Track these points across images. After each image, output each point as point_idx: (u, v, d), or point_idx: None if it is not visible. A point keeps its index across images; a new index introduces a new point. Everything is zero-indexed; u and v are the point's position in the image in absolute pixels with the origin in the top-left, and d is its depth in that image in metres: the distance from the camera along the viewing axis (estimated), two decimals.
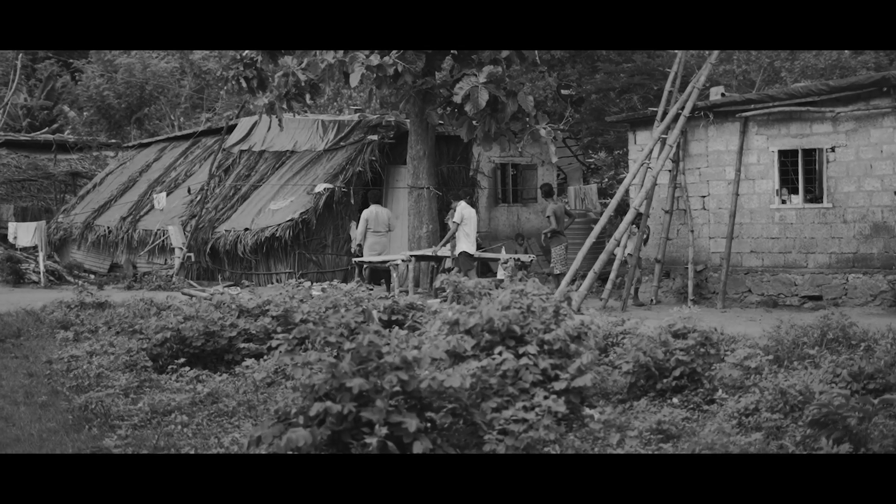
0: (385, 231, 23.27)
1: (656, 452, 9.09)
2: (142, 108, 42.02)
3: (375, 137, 27.18)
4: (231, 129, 31.14)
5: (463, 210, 21.72)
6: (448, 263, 21.50)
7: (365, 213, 23.48)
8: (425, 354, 9.59)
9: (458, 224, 21.47)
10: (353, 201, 26.29)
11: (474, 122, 21.37)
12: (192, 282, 25.89)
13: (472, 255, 21.53)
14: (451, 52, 21.70)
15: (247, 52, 22.70)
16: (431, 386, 9.33)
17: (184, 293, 21.06)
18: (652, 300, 21.49)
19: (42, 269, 26.88)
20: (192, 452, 9.66)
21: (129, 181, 32.54)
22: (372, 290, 16.74)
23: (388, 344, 9.53)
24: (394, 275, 21.89)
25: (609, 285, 21.18)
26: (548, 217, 22.73)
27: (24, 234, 28.53)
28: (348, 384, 9.05)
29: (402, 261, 22.27)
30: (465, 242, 21.53)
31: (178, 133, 35.27)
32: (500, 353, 10.29)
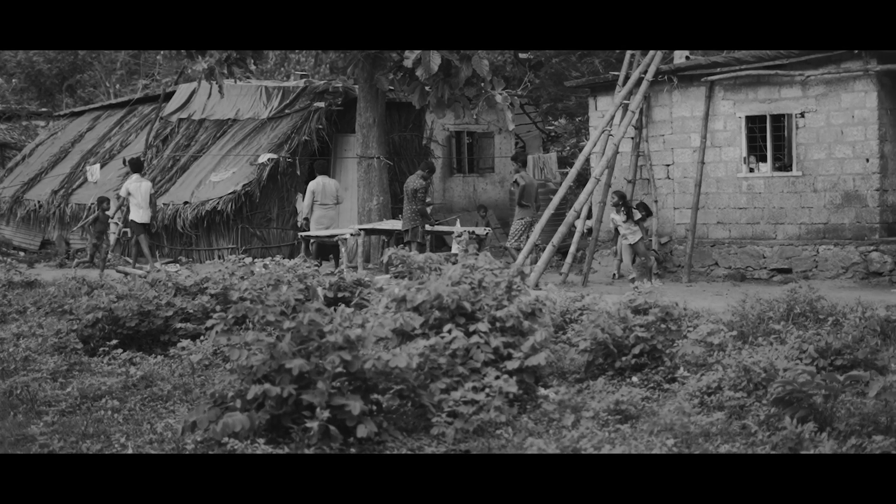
0: (333, 203, 23.17)
1: (621, 452, 9.11)
2: (74, 75, 41.66)
3: (322, 105, 27.04)
4: (169, 96, 30.89)
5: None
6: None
7: (311, 185, 23.36)
8: (370, 333, 9.61)
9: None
10: (298, 172, 26.17)
11: (427, 88, 21.29)
12: (128, 259, 25.70)
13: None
14: None
15: None
16: (376, 366, 9.36)
17: (118, 271, 20.91)
18: (614, 275, 21.56)
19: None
20: (125, 440, 9.59)
21: (61, 152, 32.22)
22: (319, 266, 16.68)
23: (331, 322, 9.53)
24: (342, 250, 21.83)
25: (569, 259, 21.23)
26: (514, 182, 22.74)
27: None
28: (288, 365, 9.05)
29: (351, 235, 22.21)
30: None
31: (114, 101, 34.96)
32: (449, 332, 10.30)
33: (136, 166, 24.43)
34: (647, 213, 21.69)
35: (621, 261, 21.48)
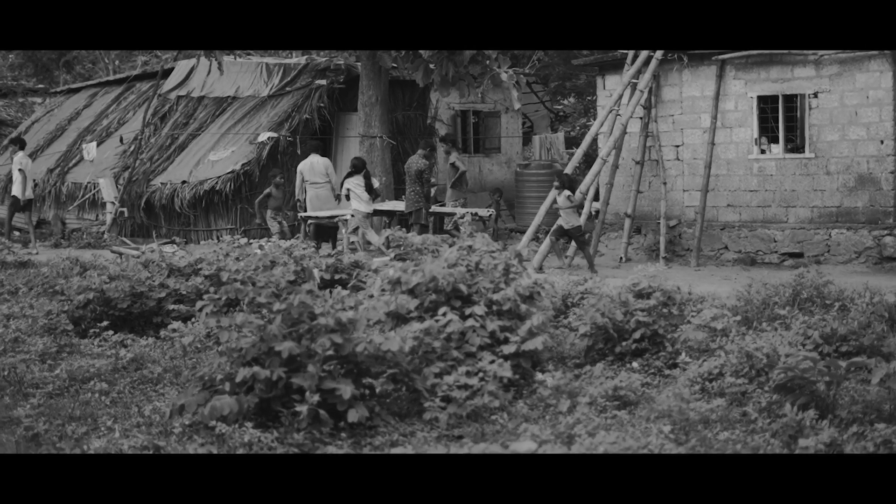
0: (323, 182, 23.02)
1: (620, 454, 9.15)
2: (72, 51, 41.62)
3: (324, 82, 27.04)
4: (167, 73, 30.88)
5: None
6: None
7: (300, 166, 23.33)
8: (362, 316, 9.66)
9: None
10: (299, 151, 26.15)
11: (431, 66, 21.29)
12: (125, 239, 25.76)
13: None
14: None
15: None
16: (368, 350, 9.41)
17: (113, 251, 20.96)
18: (622, 258, 21.57)
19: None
20: (112, 423, 9.65)
21: (57, 130, 32.24)
22: (317, 247, 16.71)
23: (324, 305, 9.57)
24: (342, 230, 21.85)
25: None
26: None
27: None
28: (277, 348, 9.10)
29: (352, 216, 22.22)
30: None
31: (111, 77, 34.98)
32: (444, 315, 10.34)
33: (21, 143, 26.05)
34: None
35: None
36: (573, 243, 21.00)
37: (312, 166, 23.12)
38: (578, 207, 20.46)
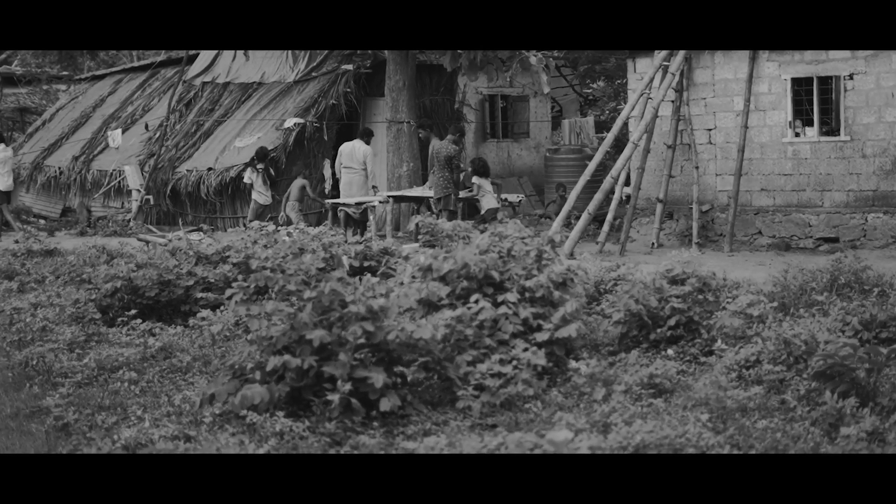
0: (359, 169, 23.12)
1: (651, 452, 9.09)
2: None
3: (350, 67, 27.03)
4: (192, 59, 30.94)
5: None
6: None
7: (342, 147, 23.48)
8: (393, 303, 9.62)
9: None
10: (326, 137, 26.19)
11: (458, 50, 21.25)
12: (150, 227, 25.85)
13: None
14: None
15: None
16: (400, 337, 9.36)
17: (139, 239, 21.03)
18: (654, 243, 21.48)
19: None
20: (142, 412, 9.65)
21: (82, 117, 32.39)
22: (345, 234, 16.71)
23: (354, 292, 9.53)
24: (371, 217, 21.85)
25: (606, 227, 21.14)
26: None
27: None
28: (308, 336, 9.06)
29: (380, 202, 22.23)
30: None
31: (136, 64, 35.08)
32: (476, 302, 10.28)
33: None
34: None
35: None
36: (604, 228, 20.94)
37: (353, 151, 23.19)
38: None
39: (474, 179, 21.21)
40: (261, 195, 23.65)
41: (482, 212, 21.24)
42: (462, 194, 21.32)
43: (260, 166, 23.91)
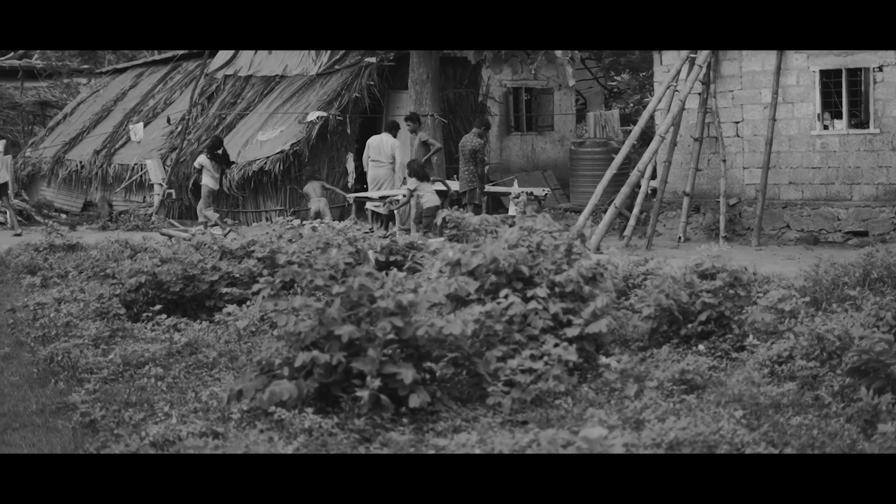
0: (388, 162, 23.14)
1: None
2: None
3: (374, 60, 26.98)
4: (214, 52, 30.94)
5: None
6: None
7: (370, 140, 23.51)
8: (423, 298, 9.58)
9: None
10: (349, 131, 26.16)
11: (483, 49, 21.23)
12: (172, 221, 25.87)
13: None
14: None
15: None
16: (430, 333, 9.32)
17: (162, 233, 21.05)
18: (680, 237, 21.40)
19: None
20: (169, 409, 9.64)
21: (104, 111, 32.40)
22: (373, 229, 16.72)
23: (382, 287, 9.50)
24: (396, 214, 21.86)
25: (632, 221, 21.07)
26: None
27: None
28: (337, 332, 9.03)
29: (403, 196, 22.21)
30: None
31: (157, 57, 35.04)
32: (506, 297, 10.24)
33: None
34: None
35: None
36: (630, 222, 20.87)
37: (381, 144, 23.22)
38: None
39: (409, 183, 21.37)
40: (212, 180, 24.67)
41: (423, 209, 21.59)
42: (401, 197, 21.51)
43: (218, 152, 25.03)
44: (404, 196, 21.15)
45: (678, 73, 21.78)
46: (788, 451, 7.82)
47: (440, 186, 21.72)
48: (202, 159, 24.94)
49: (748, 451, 7.81)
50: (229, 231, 19.37)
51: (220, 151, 25.08)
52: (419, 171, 21.06)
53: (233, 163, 25.59)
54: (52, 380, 10.99)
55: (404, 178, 22.31)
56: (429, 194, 20.83)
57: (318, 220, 19.93)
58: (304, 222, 17.28)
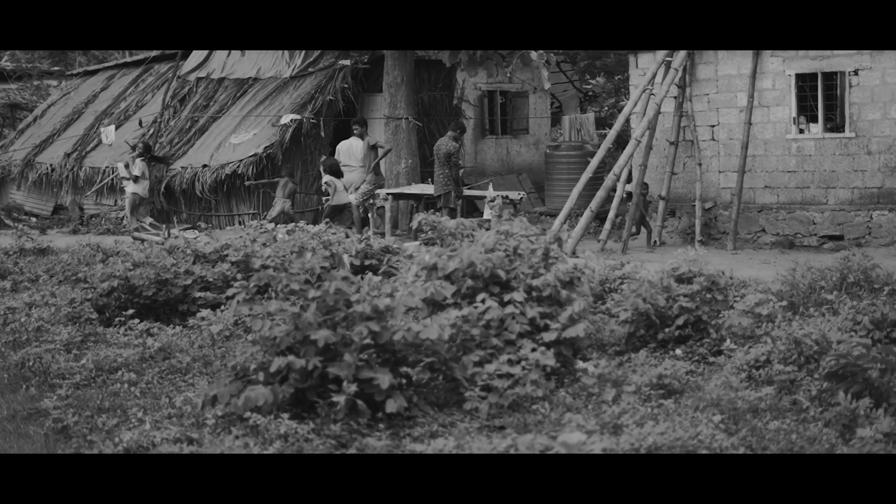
0: (358, 166, 23.09)
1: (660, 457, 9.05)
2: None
3: (348, 62, 26.93)
4: (187, 54, 30.84)
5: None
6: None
7: (339, 146, 23.46)
8: (399, 303, 9.57)
9: None
10: (323, 134, 26.11)
11: (458, 49, 21.22)
12: (145, 225, 25.76)
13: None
14: None
15: None
16: (406, 338, 9.31)
17: (134, 237, 20.96)
18: (655, 241, 21.45)
19: None
20: (142, 414, 9.59)
21: (74, 113, 32.27)
22: (351, 233, 16.70)
23: (359, 292, 9.49)
24: (370, 214, 21.87)
25: (608, 225, 21.11)
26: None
27: None
28: (313, 336, 9.01)
29: (325, 184, 22.35)
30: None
31: (129, 59, 34.92)
32: (482, 301, 10.24)
33: None
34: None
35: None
36: (605, 224, 20.91)
37: (351, 148, 23.18)
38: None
39: (326, 178, 22.08)
40: (141, 187, 25.46)
41: (332, 206, 22.28)
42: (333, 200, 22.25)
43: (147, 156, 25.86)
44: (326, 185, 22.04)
45: (654, 76, 21.83)
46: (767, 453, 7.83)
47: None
48: (142, 166, 25.41)
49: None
50: (159, 235, 21.05)
51: (150, 156, 26.01)
52: (333, 167, 21.88)
53: (166, 160, 26.45)
54: (23, 385, 10.92)
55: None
56: (340, 193, 21.72)
57: (279, 221, 20.09)
58: (263, 220, 17.38)
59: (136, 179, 25.16)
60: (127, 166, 25.42)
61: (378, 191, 22.64)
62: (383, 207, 22.51)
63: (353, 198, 22.33)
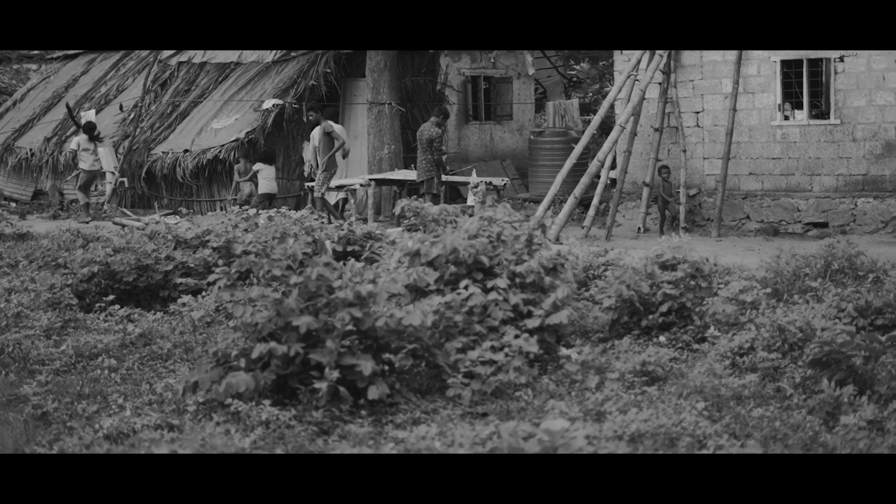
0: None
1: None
2: None
3: None
4: None
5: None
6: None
7: (313, 132, 23.34)
8: (382, 289, 9.56)
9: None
10: (305, 119, 26.04)
11: (446, 49, 21.23)
12: (125, 210, 25.70)
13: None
14: None
15: None
16: (389, 324, 9.31)
17: (115, 223, 20.93)
18: (640, 228, 21.47)
19: None
20: (122, 401, 9.57)
21: (54, 97, 32.12)
22: (329, 219, 16.69)
23: (341, 278, 9.48)
24: (350, 200, 21.83)
25: (592, 212, 21.11)
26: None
27: None
28: (295, 323, 9.00)
29: (361, 185, 22.18)
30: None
31: None
32: (466, 288, 10.25)
33: None
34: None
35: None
36: (589, 211, 20.92)
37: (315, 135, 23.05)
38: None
39: (256, 165, 22.61)
40: (89, 163, 25.67)
41: (258, 195, 22.63)
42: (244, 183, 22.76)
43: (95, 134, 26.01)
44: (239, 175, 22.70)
45: (638, 62, 21.81)
46: (751, 443, 7.84)
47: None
48: (87, 144, 25.78)
49: (710, 443, 7.83)
50: (90, 220, 22.20)
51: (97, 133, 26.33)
52: (267, 154, 22.73)
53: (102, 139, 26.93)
54: (2, 371, 10.90)
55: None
56: (267, 180, 22.29)
57: (247, 203, 20.25)
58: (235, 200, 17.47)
59: (76, 155, 25.62)
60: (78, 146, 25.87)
61: (346, 181, 22.58)
62: (346, 198, 22.55)
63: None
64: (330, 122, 22.25)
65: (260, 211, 17.04)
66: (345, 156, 23.40)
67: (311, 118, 23.22)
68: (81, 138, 25.57)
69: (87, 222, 22.45)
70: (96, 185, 27.01)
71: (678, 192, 21.43)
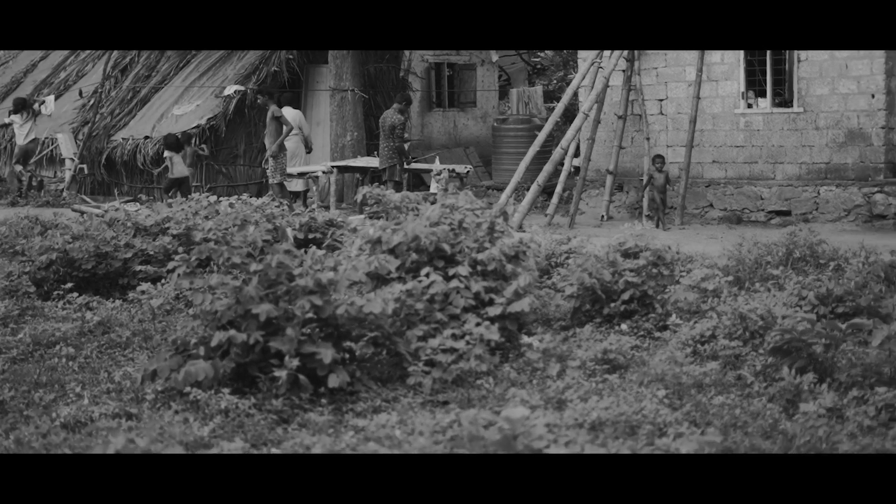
0: (295, 135, 22.90)
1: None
2: None
3: None
4: None
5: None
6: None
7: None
8: (342, 277, 9.56)
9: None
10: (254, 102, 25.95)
11: (412, 49, 21.21)
12: (85, 197, 25.57)
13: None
14: None
15: None
16: (349, 312, 9.32)
17: (74, 209, 20.81)
18: (603, 216, 21.53)
19: None
20: (80, 389, 9.53)
21: (13, 83, 31.93)
22: (289, 205, 16.64)
23: (301, 265, 9.47)
24: (312, 188, 21.77)
25: (555, 199, 21.14)
26: (277, 118, 22.11)
27: None
28: (255, 311, 8.99)
29: (323, 172, 22.13)
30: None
31: None
32: (427, 275, 10.25)
33: None
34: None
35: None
36: (553, 199, 20.96)
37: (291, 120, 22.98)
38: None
39: (165, 154, 23.16)
40: (22, 137, 26.88)
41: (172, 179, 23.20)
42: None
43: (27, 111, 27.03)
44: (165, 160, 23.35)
45: (602, 49, 21.86)
46: (711, 430, 7.87)
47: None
48: (22, 119, 27.03)
49: (670, 430, 7.86)
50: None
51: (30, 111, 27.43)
52: (174, 142, 23.14)
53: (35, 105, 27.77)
54: None
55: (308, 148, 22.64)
56: (178, 165, 22.91)
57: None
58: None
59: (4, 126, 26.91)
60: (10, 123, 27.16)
61: (308, 168, 22.55)
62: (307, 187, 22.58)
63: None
64: (277, 107, 22.01)
65: (168, 197, 17.35)
66: (308, 150, 23.35)
67: (258, 102, 23.11)
68: (15, 116, 26.60)
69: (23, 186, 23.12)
70: (49, 167, 27.28)
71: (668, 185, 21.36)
